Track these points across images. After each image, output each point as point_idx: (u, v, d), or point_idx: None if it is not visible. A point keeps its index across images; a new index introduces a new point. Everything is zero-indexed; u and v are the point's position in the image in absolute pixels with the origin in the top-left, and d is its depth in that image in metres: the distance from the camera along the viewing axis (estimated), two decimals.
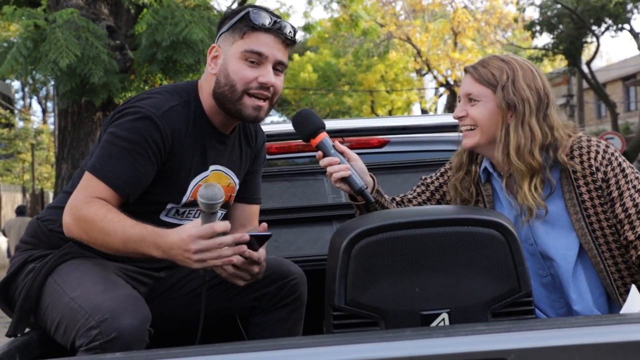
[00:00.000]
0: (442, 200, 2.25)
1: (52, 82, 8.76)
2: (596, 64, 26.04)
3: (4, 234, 12.82)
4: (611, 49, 67.38)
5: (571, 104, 26.87)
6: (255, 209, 2.24)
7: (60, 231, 1.95)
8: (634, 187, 1.94)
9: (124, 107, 1.94)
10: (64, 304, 1.79)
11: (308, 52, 28.42)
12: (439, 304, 1.68)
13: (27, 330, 1.93)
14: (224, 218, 2.17)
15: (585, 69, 20.89)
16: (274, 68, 1.97)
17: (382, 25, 22.64)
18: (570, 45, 19.98)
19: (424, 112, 26.18)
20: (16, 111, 28.52)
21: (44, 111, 31.55)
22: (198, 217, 2.03)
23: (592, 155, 1.97)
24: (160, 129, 1.88)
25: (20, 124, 27.87)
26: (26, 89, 27.04)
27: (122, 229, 1.78)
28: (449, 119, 3.13)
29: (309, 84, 26.52)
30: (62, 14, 7.76)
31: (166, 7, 8.26)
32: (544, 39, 57.75)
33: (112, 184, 1.86)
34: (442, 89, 26.11)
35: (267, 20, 1.94)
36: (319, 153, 2.08)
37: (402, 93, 25.54)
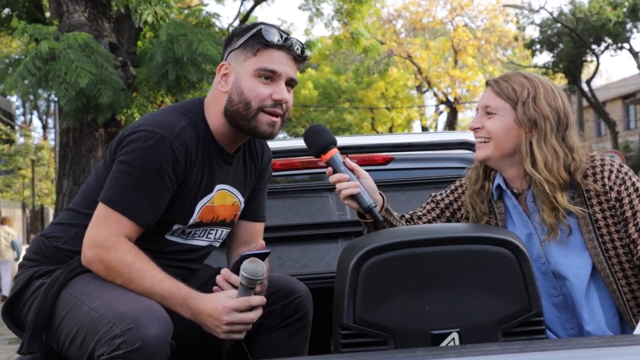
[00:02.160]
0: (452, 217, 2.22)
1: (55, 99, 8.75)
2: (596, 83, 26.08)
3: None
4: (611, 68, 67.64)
5: None
6: (259, 226, 2.21)
7: (65, 248, 1.93)
8: None
9: (134, 130, 1.89)
10: (83, 314, 1.77)
11: (309, 69, 28.54)
12: (449, 323, 1.65)
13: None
14: (228, 235, 2.16)
15: (585, 87, 20.95)
16: (286, 84, 1.96)
17: (382, 43, 22.76)
18: (570, 64, 20.03)
19: (424, 129, 26.23)
20: (17, 127, 28.55)
21: (45, 127, 31.57)
22: (203, 236, 2.04)
23: (606, 174, 1.96)
24: (175, 152, 1.85)
25: (21, 140, 27.92)
26: (27, 105, 27.10)
27: (150, 282, 1.80)
28: (453, 136, 3.13)
29: (309, 100, 26.63)
30: (77, 37, 7.87)
31: (177, 24, 8.33)
32: (544, 57, 58.06)
33: (133, 218, 1.84)
34: (442, 107, 26.19)
35: (278, 37, 1.93)
36: (329, 169, 2.06)
37: (402, 110, 25.65)
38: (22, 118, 29.19)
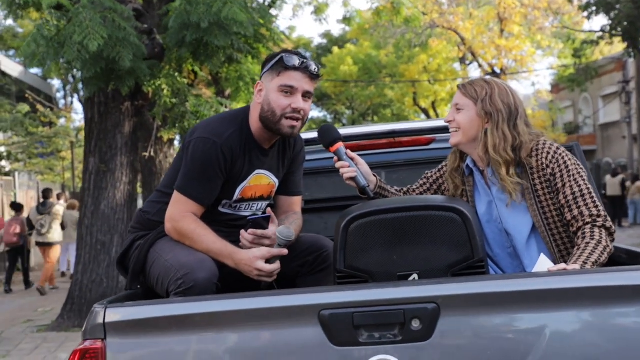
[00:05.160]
0: (438, 190, 3.00)
1: (76, 70, 8.28)
2: None
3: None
4: None
5: (627, 90, 26.81)
6: (295, 199, 3.05)
7: (154, 219, 2.86)
8: (575, 179, 2.66)
9: (197, 137, 2.74)
10: (161, 264, 2.67)
11: (348, 45, 29.00)
12: (412, 267, 2.43)
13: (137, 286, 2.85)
14: (274, 207, 3.00)
15: None
16: (303, 96, 2.77)
17: (424, 14, 23.10)
18: (630, 26, 19.59)
19: None
20: (55, 109, 29.90)
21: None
22: (247, 209, 2.91)
23: (544, 155, 2.71)
24: (224, 153, 2.72)
25: (62, 121, 29.27)
26: (67, 88, 28.41)
27: (207, 242, 2.68)
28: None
29: (349, 76, 27.09)
30: None
31: None
32: (599, 21, 56.40)
33: (197, 200, 2.74)
34: (488, 78, 26.41)
35: (296, 62, 2.74)
36: (335, 158, 2.89)
37: (445, 83, 25.97)
38: (62, 101, 30.59)
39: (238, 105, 11.57)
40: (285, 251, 2.69)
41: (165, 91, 8.97)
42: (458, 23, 24.53)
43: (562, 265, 2.35)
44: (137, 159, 10.14)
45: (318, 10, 13.14)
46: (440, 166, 3.04)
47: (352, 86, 28.31)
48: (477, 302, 2.08)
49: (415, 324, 2.05)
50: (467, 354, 2.06)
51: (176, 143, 18.38)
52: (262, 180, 2.88)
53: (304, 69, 2.76)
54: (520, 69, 25.92)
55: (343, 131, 3.72)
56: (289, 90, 2.75)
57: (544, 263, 2.48)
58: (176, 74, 9.08)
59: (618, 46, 25.32)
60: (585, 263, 2.39)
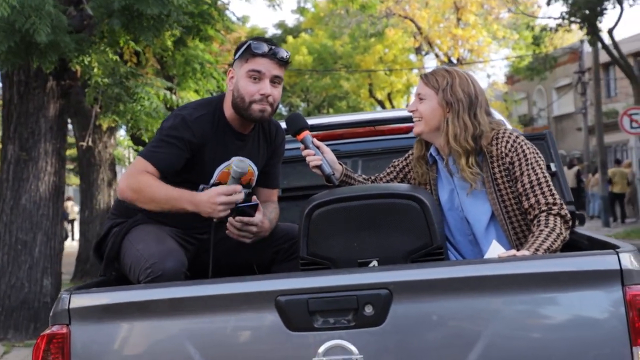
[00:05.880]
0: (404, 178, 3.12)
1: None
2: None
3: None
4: (621, 24, 64.87)
5: (583, 81, 27.16)
6: (273, 192, 3.19)
7: (134, 207, 2.89)
8: (533, 168, 2.81)
9: (173, 115, 2.92)
10: (132, 253, 2.77)
11: (303, 34, 28.96)
12: (372, 254, 2.55)
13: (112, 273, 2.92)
14: (249, 194, 3.05)
15: (606, 39, 20.21)
16: (272, 81, 2.86)
17: (381, 1, 23.28)
18: (590, 13, 19.38)
19: None
20: None
21: None
22: None
23: (503, 144, 2.85)
24: (192, 130, 2.84)
25: None
26: None
27: (165, 190, 2.75)
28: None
29: (303, 67, 27.05)
30: None
31: None
32: (557, 9, 56.68)
33: (153, 163, 2.80)
34: (449, 68, 26.68)
35: (265, 48, 2.85)
36: (302, 146, 2.99)
37: (401, 74, 26.12)
38: None
39: (186, 92, 11.53)
40: (239, 187, 2.77)
41: (95, 69, 8.14)
42: (414, 12, 24.78)
43: (513, 252, 2.50)
44: (65, 146, 9.12)
45: None
46: (406, 155, 3.17)
47: (307, 77, 28.23)
48: (429, 288, 2.19)
49: (368, 310, 2.16)
50: (419, 339, 2.18)
51: (122, 132, 17.92)
52: None
53: (271, 55, 2.87)
54: (476, 59, 26.30)
55: (322, 120, 3.80)
56: (257, 76, 2.86)
57: (496, 249, 2.62)
58: (107, 49, 8.24)
59: (574, 36, 25.60)
60: (537, 250, 2.53)
